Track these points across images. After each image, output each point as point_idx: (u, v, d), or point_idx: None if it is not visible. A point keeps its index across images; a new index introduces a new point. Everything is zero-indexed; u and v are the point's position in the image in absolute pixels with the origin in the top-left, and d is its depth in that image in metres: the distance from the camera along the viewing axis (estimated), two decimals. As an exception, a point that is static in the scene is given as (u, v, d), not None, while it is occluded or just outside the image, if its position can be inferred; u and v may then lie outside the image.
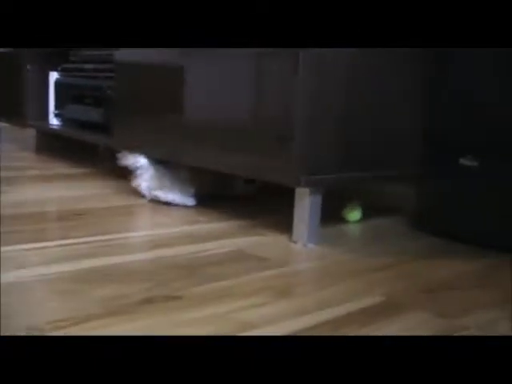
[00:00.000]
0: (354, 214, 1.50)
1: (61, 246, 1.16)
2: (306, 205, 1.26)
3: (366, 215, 1.55)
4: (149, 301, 0.90)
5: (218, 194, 1.67)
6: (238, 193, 1.70)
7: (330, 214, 1.52)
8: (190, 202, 1.58)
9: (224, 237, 1.32)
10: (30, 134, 2.59)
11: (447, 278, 1.10)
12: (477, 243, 1.30)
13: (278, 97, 1.24)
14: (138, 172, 1.58)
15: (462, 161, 1.32)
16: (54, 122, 2.34)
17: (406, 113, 1.42)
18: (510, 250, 1.24)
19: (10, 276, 0.97)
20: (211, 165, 1.43)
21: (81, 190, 1.75)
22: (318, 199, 1.27)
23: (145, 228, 1.38)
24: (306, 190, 1.25)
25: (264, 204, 1.71)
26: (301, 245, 1.27)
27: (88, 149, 2.44)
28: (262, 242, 1.28)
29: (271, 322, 0.85)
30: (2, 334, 0.29)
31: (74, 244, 1.18)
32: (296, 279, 1.06)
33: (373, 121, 1.36)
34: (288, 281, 1.05)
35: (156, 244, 1.23)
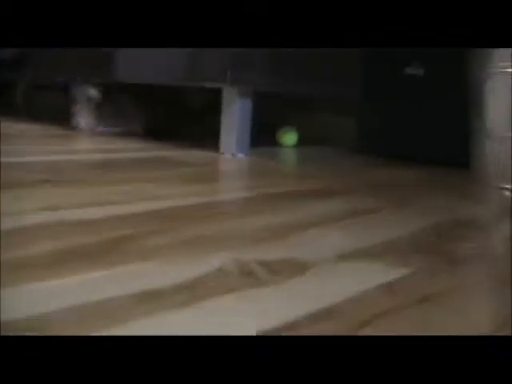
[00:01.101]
0: (289, 138, 1.37)
1: None
2: (234, 108, 1.12)
3: (304, 143, 1.41)
4: (46, 181, 0.74)
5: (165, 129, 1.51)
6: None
7: (266, 140, 1.39)
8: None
9: (152, 149, 1.16)
10: None
11: (382, 179, 0.98)
12: (423, 159, 1.19)
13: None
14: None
15: (408, 70, 1.20)
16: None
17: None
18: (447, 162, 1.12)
19: None
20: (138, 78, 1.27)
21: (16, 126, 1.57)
22: (248, 104, 1.13)
23: (65, 144, 1.20)
24: (235, 91, 1.11)
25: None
26: (229, 155, 1.13)
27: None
28: (191, 153, 1.14)
29: (176, 195, 0.71)
30: (2, 334, 0.27)
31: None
32: (215, 174, 0.92)
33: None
34: (205, 175, 0.90)
35: (73, 150, 1.07)
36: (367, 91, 1.28)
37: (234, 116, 1.12)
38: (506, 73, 0.92)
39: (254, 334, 0.32)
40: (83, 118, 1.44)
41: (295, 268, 0.44)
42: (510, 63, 0.91)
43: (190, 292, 0.38)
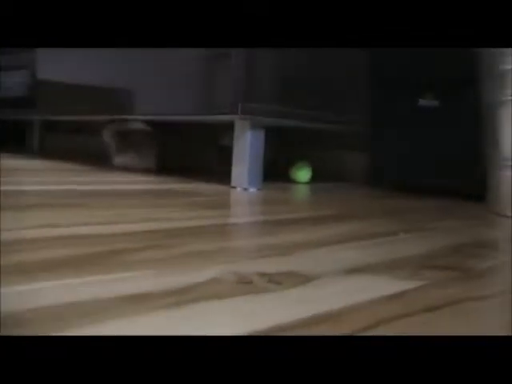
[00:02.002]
0: (303, 173, 1.35)
1: None
2: (246, 141, 1.10)
3: (317, 179, 1.40)
4: (55, 205, 0.72)
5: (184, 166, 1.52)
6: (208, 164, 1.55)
7: (278, 177, 1.38)
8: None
9: (164, 182, 1.15)
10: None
11: (397, 207, 0.95)
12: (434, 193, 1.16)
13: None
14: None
15: (422, 102, 1.19)
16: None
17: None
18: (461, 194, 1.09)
19: None
20: (149, 113, 1.28)
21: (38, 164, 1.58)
22: (260, 136, 1.12)
23: (78, 177, 1.20)
24: (247, 123, 1.10)
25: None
26: (240, 189, 1.11)
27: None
28: (203, 186, 1.12)
29: (182, 218, 0.69)
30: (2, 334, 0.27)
31: None
32: (225, 203, 0.90)
33: (315, 63, 1.22)
34: (214, 203, 0.88)
35: (86, 182, 1.06)
36: (380, 123, 1.27)
37: (246, 149, 1.11)
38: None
39: (243, 334, 0.30)
40: (121, 156, 1.48)
41: (298, 279, 0.42)
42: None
43: (181, 296, 0.36)
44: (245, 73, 1.06)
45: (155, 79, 1.23)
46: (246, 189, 1.11)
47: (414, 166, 1.20)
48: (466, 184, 1.11)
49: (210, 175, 1.38)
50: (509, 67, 0.90)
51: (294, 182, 1.35)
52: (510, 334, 0.31)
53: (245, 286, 0.39)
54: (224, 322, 0.32)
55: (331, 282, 0.42)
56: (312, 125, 1.22)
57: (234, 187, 1.12)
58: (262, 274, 0.42)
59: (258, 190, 1.11)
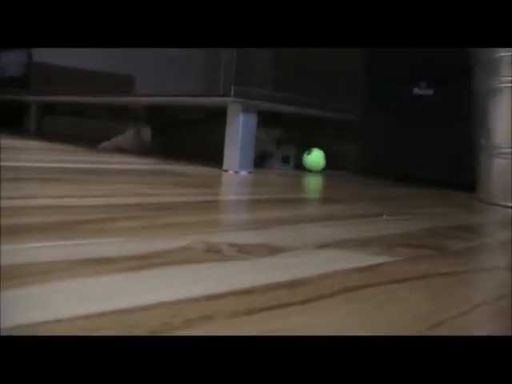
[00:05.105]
0: (316, 161, 1.32)
1: None
2: (238, 124, 1.10)
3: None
4: (45, 179, 0.72)
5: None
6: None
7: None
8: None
9: (157, 163, 1.15)
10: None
11: (385, 193, 0.95)
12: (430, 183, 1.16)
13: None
14: None
15: (416, 91, 1.19)
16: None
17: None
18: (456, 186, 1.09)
19: None
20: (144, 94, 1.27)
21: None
22: (252, 120, 1.12)
23: (72, 156, 1.20)
24: (239, 107, 1.10)
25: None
26: (232, 172, 1.11)
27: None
28: (195, 168, 1.12)
29: (167, 195, 0.69)
30: (2, 334, 0.26)
31: None
32: (212, 182, 0.90)
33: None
34: (201, 183, 0.88)
35: (78, 160, 1.06)
36: (372, 111, 1.26)
37: (238, 133, 1.10)
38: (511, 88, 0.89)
39: (203, 295, 0.30)
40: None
41: (267, 250, 0.42)
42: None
43: (145, 261, 0.36)
44: (238, 55, 1.05)
45: (149, 62, 1.23)
46: (237, 172, 1.11)
47: (409, 155, 1.19)
48: (460, 174, 1.11)
49: (213, 160, 1.38)
50: (499, 55, 0.89)
51: (306, 169, 1.34)
52: (509, 334, 0.31)
53: (213, 254, 0.39)
54: (182, 283, 0.32)
55: (301, 253, 0.42)
56: (305, 111, 1.22)
57: (226, 170, 1.12)
58: (232, 245, 0.42)
59: (249, 173, 1.11)
